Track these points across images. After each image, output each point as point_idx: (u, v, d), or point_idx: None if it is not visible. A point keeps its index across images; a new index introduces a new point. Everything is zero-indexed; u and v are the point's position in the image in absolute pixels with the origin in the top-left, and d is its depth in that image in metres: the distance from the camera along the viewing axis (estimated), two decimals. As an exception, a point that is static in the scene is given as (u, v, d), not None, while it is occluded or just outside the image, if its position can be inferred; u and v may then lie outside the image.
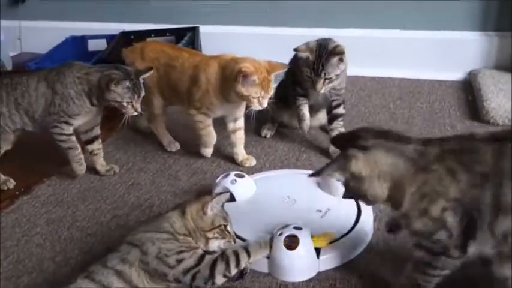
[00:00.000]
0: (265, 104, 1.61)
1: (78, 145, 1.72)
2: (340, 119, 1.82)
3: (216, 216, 1.23)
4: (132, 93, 1.59)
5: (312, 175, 1.13)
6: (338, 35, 2.50)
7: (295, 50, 1.71)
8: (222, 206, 1.27)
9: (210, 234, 1.22)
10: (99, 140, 1.76)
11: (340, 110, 1.82)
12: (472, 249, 1.01)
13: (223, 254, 1.17)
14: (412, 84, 2.35)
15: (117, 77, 1.56)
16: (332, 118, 1.81)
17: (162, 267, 1.13)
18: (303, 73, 1.70)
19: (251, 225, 1.36)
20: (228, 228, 1.25)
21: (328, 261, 1.26)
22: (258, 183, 1.55)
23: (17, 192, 1.68)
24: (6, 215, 1.57)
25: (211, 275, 1.13)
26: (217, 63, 1.66)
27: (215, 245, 1.23)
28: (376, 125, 1.08)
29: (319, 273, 1.25)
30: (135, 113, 1.64)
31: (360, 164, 1.04)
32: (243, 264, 1.18)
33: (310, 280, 1.24)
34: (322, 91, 1.70)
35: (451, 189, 0.98)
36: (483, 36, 2.39)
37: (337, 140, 1.17)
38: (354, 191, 1.08)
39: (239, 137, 1.77)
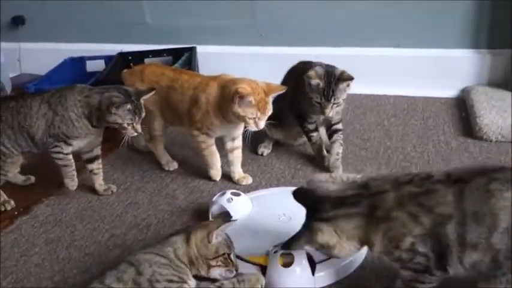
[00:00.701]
0: (261, 125, 1.63)
1: (73, 163, 1.73)
2: (340, 132, 1.86)
3: (220, 244, 1.23)
4: (133, 115, 1.61)
5: (282, 247, 1.20)
6: (333, 53, 2.57)
7: (307, 77, 1.72)
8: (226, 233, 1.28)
9: (213, 262, 1.22)
10: (100, 160, 1.78)
11: (339, 126, 1.87)
12: (452, 271, 1.05)
13: None
14: (407, 102, 2.38)
15: (118, 100, 1.59)
16: (332, 133, 1.86)
17: None
18: (312, 99, 1.73)
19: (247, 243, 1.37)
20: (232, 256, 1.25)
21: (323, 278, 1.28)
22: (254, 201, 1.57)
23: (16, 213, 1.70)
24: (5, 235, 1.58)
25: None
26: (216, 84, 1.69)
27: (217, 272, 1.23)
28: (332, 190, 1.12)
29: (314, 290, 1.26)
30: (135, 134, 1.66)
31: (325, 235, 1.10)
32: None
33: (305, 297, 1.25)
34: (330, 115, 1.74)
35: (416, 229, 1.02)
36: (476, 54, 2.43)
37: (299, 196, 1.19)
38: (326, 254, 1.17)
39: (236, 156, 1.79)
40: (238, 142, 1.78)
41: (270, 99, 1.63)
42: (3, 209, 1.71)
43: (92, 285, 1.15)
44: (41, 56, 2.94)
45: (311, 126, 1.84)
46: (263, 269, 1.28)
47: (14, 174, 1.79)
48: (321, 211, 1.10)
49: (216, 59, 2.67)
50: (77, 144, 1.69)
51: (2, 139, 1.65)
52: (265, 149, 1.99)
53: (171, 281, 1.16)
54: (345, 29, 2.56)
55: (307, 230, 1.12)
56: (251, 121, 1.61)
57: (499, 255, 0.98)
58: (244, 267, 1.30)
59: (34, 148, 1.69)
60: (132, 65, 2.65)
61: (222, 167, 1.87)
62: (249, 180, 1.79)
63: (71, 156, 1.72)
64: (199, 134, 1.75)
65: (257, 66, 2.66)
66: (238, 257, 1.33)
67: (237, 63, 2.68)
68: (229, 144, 1.78)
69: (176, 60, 2.66)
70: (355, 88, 2.42)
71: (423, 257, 1.03)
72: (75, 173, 1.75)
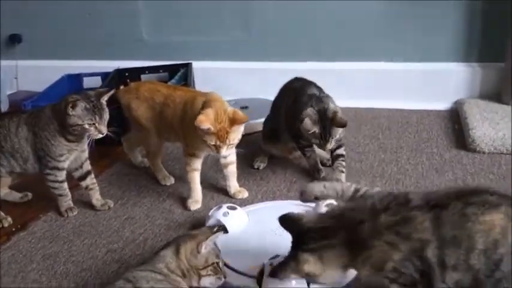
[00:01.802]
0: (223, 152, 1.62)
1: (68, 192, 1.76)
2: (342, 158, 1.85)
3: (209, 254, 1.25)
4: (92, 114, 1.60)
5: (270, 275, 1.21)
6: (328, 68, 2.61)
7: (303, 126, 1.71)
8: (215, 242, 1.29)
9: (203, 272, 1.24)
10: (92, 175, 1.79)
11: (341, 151, 1.87)
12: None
13: None
14: (401, 115, 2.41)
15: (72, 99, 1.58)
16: (334, 158, 1.86)
17: None
18: (310, 141, 1.76)
19: (243, 256, 1.38)
20: (220, 264, 1.26)
21: (319, 290, 1.28)
22: (250, 215, 1.58)
23: (14, 229, 1.71)
24: (3, 252, 1.58)
25: None
26: (200, 102, 1.67)
27: (207, 281, 1.24)
28: (313, 220, 1.15)
29: (310, 303, 1.27)
30: (100, 135, 1.64)
31: (312, 266, 1.11)
32: None
33: (301, 309, 1.26)
34: (330, 148, 1.77)
35: (395, 255, 1.04)
36: (467, 67, 2.48)
37: (285, 224, 1.20)
38: (312, 282, 1.19)
39: (231, 171, 1.80)
40: (231, 158, 1.78)
41: (236, 128, 1.60)
42: (0, 226, 1.72)
43: None
44: (38, 73, 2.96)
45: (305, 143, 1.86)
46: (259, 282, 1.28)
47: (5, 193, 1.81)
48: (306, 242, 1.13)
49: (212, 74, 2.71)
50: (67, 164, 1.70)
51: None
52: (261, 163, 2.01)
53: None
54: (339, 44, 2.60)
55: (293, 260, 1.13)
56: (212, 147, 1.61)
57: (478, 274, 1.00)
58: (240, 280, 1.31)
59: (19, 168, 1.70)
60: (129, 82, 2.68)
61: (217, 181, 1.89)
62: (244, 194, 1.81)
63: (66, 185, 1.74)
64: (186, 155, 1.76)
65: (252, 80, 2.70)
66: (233, 269, 1.34)
67: (232, 78, 2.73)
68: (222, 160, 1.78)
69: (172, 76, 2.70)
70: (350, 102, 2.48)
71: (408, 276, 1.06)
72: (71, 202, 1.77)
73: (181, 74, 2.68)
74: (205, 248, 1.24)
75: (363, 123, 2.36)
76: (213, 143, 1.60)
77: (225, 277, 1.27)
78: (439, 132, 2.21)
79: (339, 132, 1.74)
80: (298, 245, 1.15)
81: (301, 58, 2.66)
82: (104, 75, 2.64)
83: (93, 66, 2.80)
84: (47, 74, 2.71)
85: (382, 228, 1.06)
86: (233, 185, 1.81)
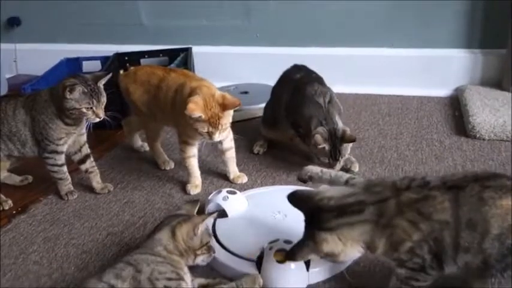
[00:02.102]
0: (216, 138, 1.61)
1: (68, 176, 1.76)
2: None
3: (203, 235, 1.28)
4: (89, 98, 1.59)
5: (286, 258, 1.20)
6: (328, 53, 2.60)
7: (314, 143, 1.71)
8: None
9: (199, 252, 1.27)
10: (91, 159, 1.79)
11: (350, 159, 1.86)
12: (447, 269, 1.08)
13: None
14: (401, 101, 2.41)
15: (70, 83, 1.58)
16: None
17: None
18: (319, 159, 1.76)
19: (243, 240, 1.39)
20: (211, 243, 1.31)
21: (317, 274, 1.29)
22: (250, 199, 1.58)
23: (14, 212, 1.71)
24: (4, 234, 1.59)
25: None
26: (189, 88, 1.65)
27: (200, 259, 1.28)
28: (331, 197, 1.13)
29: (309, 286, 1.28)
30: (98, 119, 1.64)
31: (330, 245, 1.11)
32: None
33: (300, 293, 1.27)
34: (338, 168, 1.75)
35: (415, 234, 1.05)
36: (468, 54, 2.46)
37: (296, 201, 1.20)
38: (331, 261, 1.19)
39: (229, 156, 1.79)
40: (229, 143, 1.77)
41: (227, 113, 1.59)
42: (0, 209, 1.73)
43: (90, 282, 1.16)
44: (37, 56, 2.95)
45: (305, 132, 1.83)
46: (258, 266, 1.29)
47: (4, 177, 1.81)
48: (323, 221, 1.11)
49: (212, 59, 2.70)
50: (64, 147, 1.70)
51: None
52: (260, 148, 2.01)
53: (170, 279, 1.18)
54: (339, 29, 2.59)
55: (311, 239, 1.12)
56: (205, 134, 1.60)
57: (489, 258, 1.01)
58: (239, 264, 1.32)
59: (17, 152, 1.70)
60: (128, 66, 2.67)
61: (217, 166, 1.89)
62: (244, 179, 1.81)
63: (65, 169, 1.74)
64: (180, 142, 1.75)
65: (252, 66, 2.69)
66: (233, 253, 1.35)
67: (232, 63, 2.72)
68: (219, 146, 1.77)
69: (172, 60, 2.68)
70: (350, 88, 2.48)
71: (420, 258, 1.07)
72: (71, 186, 1.77)
73: (181, 58, 2.66)
74: (200, 230, 1.27)
75: (363, 109, 2.35)
76: (206, 130, 1.59)
77: (214, 252, 1.31)
78: (439, 119, 2.20)
79: (348, 152, 1.75)
80: (314, 224, 1.13)
81: (302, 43, 2.65)
82: (104, 59, 2.63)
83: (92, 50, 2.79)
84: (46, 57, 2.69)
85: (405, 206, 1.06)
86: (232, 170, 1.81)
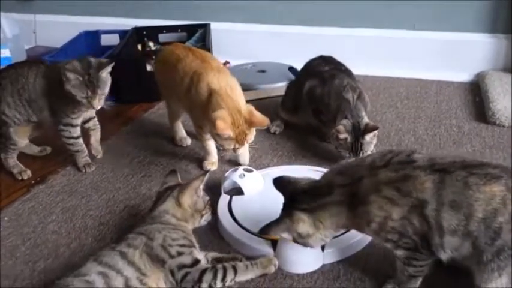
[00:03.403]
0: (239, 151, 1.62)
1: (85, 148, 1.78)
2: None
3: (204, 195, 1.34)
4: (84, 88, 1.58)
5: (260, 232, 1.21)
6: (347, 34, 2.57)
7: (337, 132, 1.68)
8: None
9: (204, 212, 1.33)
10: (95, 119, 1.80)
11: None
12: (439, 254, 1.08)
13: (213, 267, 1.20)
14: (420, 84, 2.38)
15: (67, 68, 1.57)
16: None
17: (164, 255, 1.17)
18: (340, 152, 1.72)
19: (259, 218, 1.39)
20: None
21: (332, 254, 1.30)
22: (266, 178, 1.58)
23: (33, 182, 1.74)
24: (23, 203, 1.62)
25: (199, 280, 1.17)
26: (206, 85, 1.59)
27: (204, 219, 1.33)
28: (308, 182, 1.18)
29: (323, 266, 1.30)
30: (92, 110, 1.64)
31: (306, 225, 1.14)
32: (228, 280, 1.20)
33: (314, 272, 1.28)
34: None
35: (394, 212, 1.06)
36: (492, 38, 2.41)
37: (279, 185, 1.23)
38: (301, 243, 1.18)
39: (240, 152, 1.71)
40: (242, 159, 1.74)
41: (252, 130, 1.56)
42: (19, 178, 1.75)
43: (102, 251, 1.19)
44: (55, 28, 2.96)
45: (326, 119, 1.82)
46: (274, 244, 1.30)
47: (25, 145, 1.82)
48: (300, 201, 1.15)
49: (230, 36, 2.68)
50: (79, 120, 1.72)
51: (2, 107, 1.67)
52: (277, 128, 2.01)
53: (182, 245, 1.20)
54: (360, 10, 2.55)
55: (288, 218, 1.15)
56: (229, 150, 1.58)
57: (478, 242, 1.02)
58: (255, 242, 1.33)
59: (35, 118, 1.70)
60: (146, 40, 2.68)
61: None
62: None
63: (81, 141, 1.76)
64: (195, 126, 1.74)
65: (271, 44, 2.67)
66: (249, 231, 1.36)
67: (250, 41, 2.70)
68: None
69: (191, 36, 2.67)
70: (369, 70, 2.45)
71: (408, 239, 1.07)
72: (88, 158, 1.79)
73: (199, 34, 2.66)
74: (201, 191, 1.32)
75: (381, 92, 2.33)
76: (231, 147, 1.56)
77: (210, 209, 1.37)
78: (459, 104, 2.18)
79: (370, 149, 1.71)
80: (292, 204, 1.16)
81: (322, 23, 2.62)
82: (122, 33, 2.62)
83: (111, 24, 2.79)
84: (65, 29, 2.70)
85: (381, 184, 1.07)
86: (243, 160, 1.76)
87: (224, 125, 1.49)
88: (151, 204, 1.36)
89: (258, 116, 1.56)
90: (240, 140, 1.54)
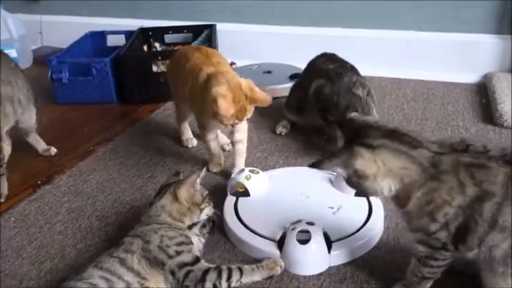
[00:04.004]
0: (238, 127, 1.59)
1: None
2: None
3: (201, 189, 1.33)
4: None
5: (312, 166, 1.09)
6: (353, 35, 2.57)
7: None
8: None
9: (202, 205, 1.32)
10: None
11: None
12: (462, 250, 1.06)
13: (217, 267, 1.19)
14: (427, 86, 2.37)
15: None
16: None
17: (162, 256, 1.17)
18: None
19: (265, 219, 1.40)
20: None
21: (338, 256, 1.30)
22: (272, 179, 1.58)
23: (39, 182, 1.74)
24: (29, 203, 1.63)
25: (203, 279, 1.16)
26: (206, 74, 1.58)
27: (205, 213, 1.33)
28: (386, 123, 1.07)
29: (329, 268, 1.29)
30: None
31: (365, 162, 1.03)
32: (233, 281, 1.19)
33: (320, 274, 1.27)
34: None
35: (457, 199, 1.01)
36: (499, 39, 2.40)
37: (346, 123, 1.14)
38: (355, 185, 1.07)
39: (239, 149, 1.70)
40: (240, 135, 1.67)
41: (251, 107, 1.53)
42: (47, 155, 1.86)
43: (101, 258, 1.18)
44: (61, 29, 2.97)
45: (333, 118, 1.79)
46: (280, 246, 1.30)
47: (32, 139, 1.86)
48: (368, 137, 1.03)
49: (236, 37, 2.68)
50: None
51: None
52: (283, 129, 2.00)
53: (181, 243, 1.20)
54: (366, 11, 2.54)
55: (347, 152, 1.04)
56: (228, 126, 1.56)
57: None
58: (261, 243, 1.33)
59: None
60: (152, 41, 2.68)
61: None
62: None
63: None
64: (199, 126, 1.73)
65: (276, 45, 2.66)
66: (255, 232, 1.36)
67: (256, 42, 2.70)
68: (231, 137, 1.71)
69: (196, 37, 2.67)
70: (375, 71, 2.44)
71: (447, 232, 1.04)
72: None
73: (205, 35, 2.66)
74: (198, 184, 1.31)
75: (388, 93, 2.32)
76: (230, 122, 1.52)
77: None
78: (466, 106, 2.17)
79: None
80: (356, 140, 1.04)
81: (327, 24, 2.61)
82: (128, 34, 2.63)
83: (116, 25, 2.79)
84: (70, 30, 2.71)
85: (460, 165, 1.01)
86: (238, 164, 1.70)
87: (226, 104, 1.45)
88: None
89: (260, 92, 1.51)
90: (239, 116, 1.51)
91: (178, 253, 1.18)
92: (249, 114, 1.57)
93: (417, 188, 1.03)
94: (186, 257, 1.18)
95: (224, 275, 1.18)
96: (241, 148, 1.70)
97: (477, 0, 2.36)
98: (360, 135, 1.05)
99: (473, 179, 1.01)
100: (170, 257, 1.17)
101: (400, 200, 1.07)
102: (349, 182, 1.08)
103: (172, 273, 1.16)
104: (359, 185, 1.06)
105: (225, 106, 1.46)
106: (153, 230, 1.21)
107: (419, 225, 1.07)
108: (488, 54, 2.40)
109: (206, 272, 1.17)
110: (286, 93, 2.10)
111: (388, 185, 1.04)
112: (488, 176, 1.00)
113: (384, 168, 1.03)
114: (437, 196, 1.02)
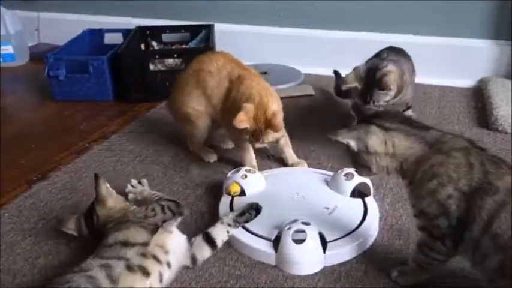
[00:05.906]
0: (257, 146, 1.62)
1: None
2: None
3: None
4: None
5: (330, 134, 1.17)
6: (350, 37, 2.57)
7: (345, 81, 1.67)
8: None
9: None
10: None
11: (410, 112, 1.90)
12: (460, 250, 1.06)
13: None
14: (423, 90, 2.37)
15: None
16: None
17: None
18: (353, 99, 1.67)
19: (260, 219, 1.40)
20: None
21: (334, 256, 1.30)
22: (268, 179, 1.59)
23: (34, 178, 1.73)
24: (24, 199, 1.62)
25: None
26: (244, 86, 1.62)
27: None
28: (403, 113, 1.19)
29: (325, 268, 1.29)
30: None
31: (378, 141, 1.11)
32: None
33: (316, 274, 1.27)
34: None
35: (463, 180, 1.02)
36: (495, 45, 2.42)
37: (358, 110, 1.24)
38: (360, 160, 1.15)
39: (283, 143, 1.74)
40: (277, 135, 1.67)
41: (269, 132, 1.55)
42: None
43: (99, 249, 1.19)
44: (59, 26, 2.96)
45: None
46: (275, 245, 1.30)
47: None
48: (385, 119, 1.13)
49: (233, 37, 2.68)
50: None
51: None
52: (280, 129, 2.00)
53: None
54: (364, 14, 2.55)
55: (362, 128, 1.13)
56: (246, 140, 1.60)
57: (507, 261, 0.96)
58: (257, 242, 1.33)
59: None
60: (150, 40, 2.68)
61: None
62: (304, 165, 1.74)
63: None
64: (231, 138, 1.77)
65: (273, 46, 2.67)
66: (251, 232, 1.36)
67: (253, 42, 2.70)
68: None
69: (194, 37, 2.68)
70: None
71: (447, 219, 1.04)
72: None
73: (202, 35, 2.66)
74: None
75: (384, 96, 2.33)
76: (247, 139, 1.58)
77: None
78: (462, 110, 2.18)
79: (383, 99, 1.62)
80: (374, 120, 1.14)
81: (325, 27, 2.62)
82: (126, 32, 2.62)
83: (114, 23, 2.79)
84: (68, 27, 2.71)
85: (472, 150, 1.06)
86: (290, 156, 1.75)
87: (244, 118, 1.50)
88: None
89: (277, 121, 1.52)
90: (256, 136, 1.55)
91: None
92: (269, 140, 1.59)
93: (423, 161, 1.08)
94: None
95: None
96: (284, 142, 1.75)
97: (474, 6, 2.38)
98: (379, 117, 1.14)
99: (482, 166, 1.02)
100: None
101: (404, 172, 1.12)
102: (354, 156, 1.16)
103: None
104: (364, 161, 1.14)
105: (242, 119, 1.49)
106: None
107: (422, 207, 1.08)
108: (485, 59, 2.42)
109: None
110: (282, 94, 2.10)
111: (391, 164, 1.12)
112: (497, 170, 1.01)
113: (393, 150, 1.11)
114: (443, 171, 1.04)
